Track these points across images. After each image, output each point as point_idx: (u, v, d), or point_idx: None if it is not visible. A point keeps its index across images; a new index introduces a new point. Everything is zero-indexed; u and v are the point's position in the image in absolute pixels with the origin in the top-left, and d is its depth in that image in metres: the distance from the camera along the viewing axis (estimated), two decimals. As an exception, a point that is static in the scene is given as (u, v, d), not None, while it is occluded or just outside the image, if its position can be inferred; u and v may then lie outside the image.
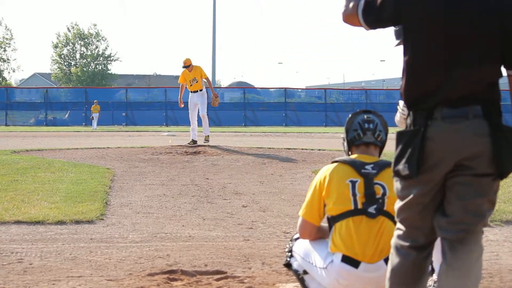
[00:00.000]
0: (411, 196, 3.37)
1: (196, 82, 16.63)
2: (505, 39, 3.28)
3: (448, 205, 3.35)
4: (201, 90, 16.77)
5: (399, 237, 3.48)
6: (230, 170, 12.38)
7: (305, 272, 4.22)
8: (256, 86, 68.27)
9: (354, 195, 3.98)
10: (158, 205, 8.46)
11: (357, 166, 4.04)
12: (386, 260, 3.76)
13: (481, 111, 3.24)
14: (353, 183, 4.00)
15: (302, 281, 4.25)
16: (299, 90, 62.51)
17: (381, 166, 4.06)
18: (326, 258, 4.00)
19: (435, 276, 4.49)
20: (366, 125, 4.15)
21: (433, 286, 4.46)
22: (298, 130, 37.69)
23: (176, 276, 5.15)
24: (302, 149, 17.22)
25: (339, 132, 32.85)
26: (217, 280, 5.06)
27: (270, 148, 17.30)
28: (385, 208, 3.96)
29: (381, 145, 4.22)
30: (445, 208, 3.36)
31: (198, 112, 16.86)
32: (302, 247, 4.23)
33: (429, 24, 3.28)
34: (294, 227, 7.08)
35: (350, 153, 4.22)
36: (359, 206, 3.96)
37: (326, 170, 4.13)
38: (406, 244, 3.44)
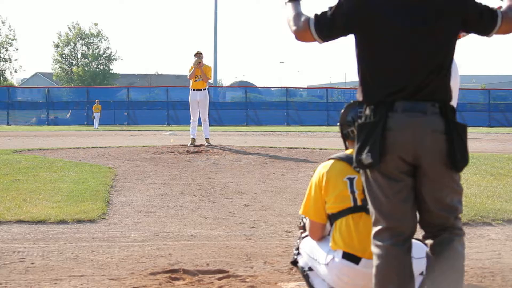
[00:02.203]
0: (380, 188, 3.50)
1: (202, 79, 16.64)
2: (472, 23, 3.49)
3: (421, 204, 3.54)
4: (204, 89, 16.78)
5: (379, 233, 3.56)
6: (232, 169, 12.38)
7: (310, 269, 4.22)
8: (257, 86, 68.25)
9: (352, 192, 3.99)
10: (160, 204, 8.46)
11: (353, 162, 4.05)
12: None
13: (438, 108, 3.44)
14: (351, 180, 4.01)
15: (306, 277, 4.26)
16: (301, 89, 62.40)
17: None
18: (327, 255, 4.02)
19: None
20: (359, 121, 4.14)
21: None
22: (300, 129, 37.70)
23: (178, 275, 5.15)
24: (304, 148, 17.22)
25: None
26: (219, 279, 5.06)
27: (271, 147, 17.30)
28: None
29: None
30: (419, 207, 3.56)
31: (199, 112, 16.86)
32: (308, 245, 4.25)
33: (387, 31, 3.44)
34: (296, 226, 7.09)
35: (346, 143, 4.24)
36: (359, 202, 3.97)
37: (322, 168, 4.14)
38: (388, 239, 3.53)
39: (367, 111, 3.50)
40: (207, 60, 16.93)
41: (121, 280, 5.02)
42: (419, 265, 3.89)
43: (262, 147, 17.34)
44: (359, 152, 3.48)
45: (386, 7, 3.44)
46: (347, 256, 3.94)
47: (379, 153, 3.40)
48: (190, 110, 16.91)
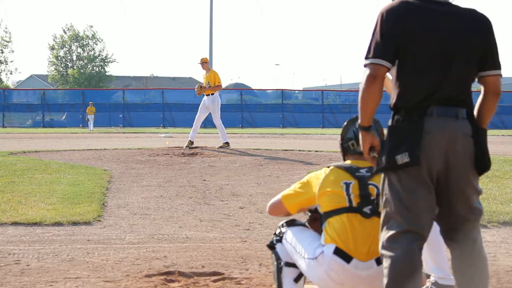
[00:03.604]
0: (409, 192, 3.53)
1: (209, 86, 16.72)
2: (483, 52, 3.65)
3: (450, 209, 3.62)
4: (212, 94, 16.79)
5: (398, 235, 3.54)
6: (227, 171, 12.38)
7: (286, 264, 4.22)
8: (253, 88, 68.21)
9: (348, 194, 4.03)
10: (155, 207, 8.46)
11: (352, 170, 4.13)
12: (377, 260, 3.79)
13: (466, 113, 3.60)
14: (347, 184, 4.07)
15: (279, 271, 4.24)
16: (296, 91, 62.34)
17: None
18: (316, 249, 4.01)
19: (432, 278, 4.52)
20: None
21: (431, 287, 4.48)
22: (295, 131, 37.72)
23: (173, 277, 5.16)
24: (299, 150, 17.23)
25: (336, 134, 32.78)
26: (214, 281, 5.07)
27: (267, 149, 17.30)
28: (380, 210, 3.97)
29: None
30: (446, 213, 3.64)
31: (209, 117, 17.02)
32: (294, 236, 4.22)
33: (427, 44, 3.57)
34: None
35: (345, 157, 4.29)
36: (354, 205, 3.99)
37: (322, 171, 4.20)
38: (409, 242, 3.53)
39: (400, 115, 3.59)
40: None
41: (116, 282, 5.02)
42: None
43: (257, 149, 17.33)
44: (392, 152, 3.53)
45: (422, 31, 3.56)
46: (338, 252, 3.93)
47: (418, 152, 3.48)
48: (198, 113, 17.09)
